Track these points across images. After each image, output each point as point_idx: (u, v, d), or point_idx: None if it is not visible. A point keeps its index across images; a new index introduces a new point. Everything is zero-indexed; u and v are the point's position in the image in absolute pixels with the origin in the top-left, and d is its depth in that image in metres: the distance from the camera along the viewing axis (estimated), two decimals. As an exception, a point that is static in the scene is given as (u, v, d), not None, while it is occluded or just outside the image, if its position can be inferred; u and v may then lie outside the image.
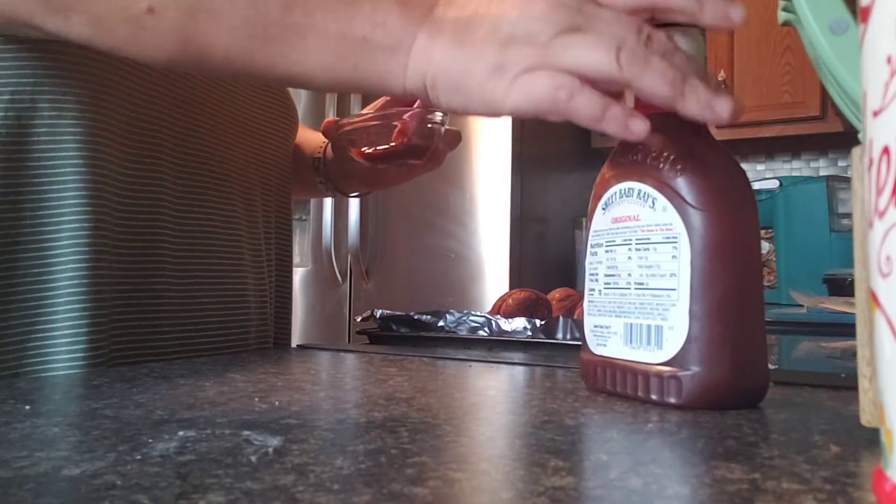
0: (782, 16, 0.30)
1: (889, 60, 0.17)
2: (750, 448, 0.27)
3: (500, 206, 1.83)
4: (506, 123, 1.85)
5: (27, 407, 0.34)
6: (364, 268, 1.95)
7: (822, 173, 2.28)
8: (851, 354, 0.65)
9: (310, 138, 0.75)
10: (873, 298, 0.18)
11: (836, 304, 0.98)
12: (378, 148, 0.56)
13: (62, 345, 0.48)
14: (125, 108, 0.52)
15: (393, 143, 0.55)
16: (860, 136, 0.24)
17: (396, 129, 0.55)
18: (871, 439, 0.28)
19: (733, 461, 0.25)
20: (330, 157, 0.70)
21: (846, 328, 0.85)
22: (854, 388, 0.39)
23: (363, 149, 0.57)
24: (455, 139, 0.61)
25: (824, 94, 1.95)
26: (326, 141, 0.70)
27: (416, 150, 0.56)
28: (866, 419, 0.29)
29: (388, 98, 0.61)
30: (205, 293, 0.59)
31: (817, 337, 0.87)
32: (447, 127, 0.58)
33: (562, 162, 2.19)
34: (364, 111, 0.61)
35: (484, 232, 1.85)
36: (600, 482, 0.22)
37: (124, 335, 0.52)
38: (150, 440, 0.28)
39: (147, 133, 0.54)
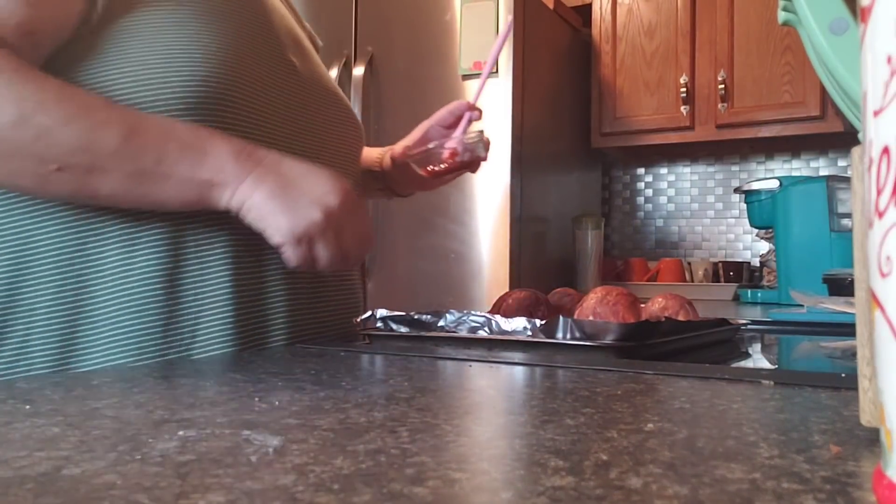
0: (782, 15, 0.30)
1: (889, 60, 0.17)
2: (750, 448, 0.27)
3: (500, 206, 1.83)
4: (506, 123, 1.85)
5: (27, 407, 0.34)
6: (364, 267, 1.95)
7: (821, 173, 2.28)
8: (851, 354, 0.65)
9: (369, 152, 0.91)
10: (873, 298, 0.18)
11: (836, 304, 0.98)
12: (441, 167, 0.78)
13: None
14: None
15: (449, 163, 0.77)
16: (860, 135, 0.24)
17: (448, 152, 0.77)
18: (872, 439, 0.28)
19: (733, 461, 0.25)
20: (388, 168, 0.88)
21: (846, 328, 0.85)
22: (854, 388, 0.39)
23: (429, 167, 0.78)
24: (488, 146, 0.80)
25: (824, 94, 1.95)
26: (381, 155, 0.90)
27: (466, 163, 0.78)
28: (866, 419, 0.29)
29: (433, 125, 0.84)
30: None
31: (817, 337, 0.87)
32: (483, 140, 0.78)
33: (562, 162, 2.19)
34: (416, 135, 0.85)
35: (484, 232, 1.85)
36: (600, 482, 0.22)
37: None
38: (151, 440, 0.28)
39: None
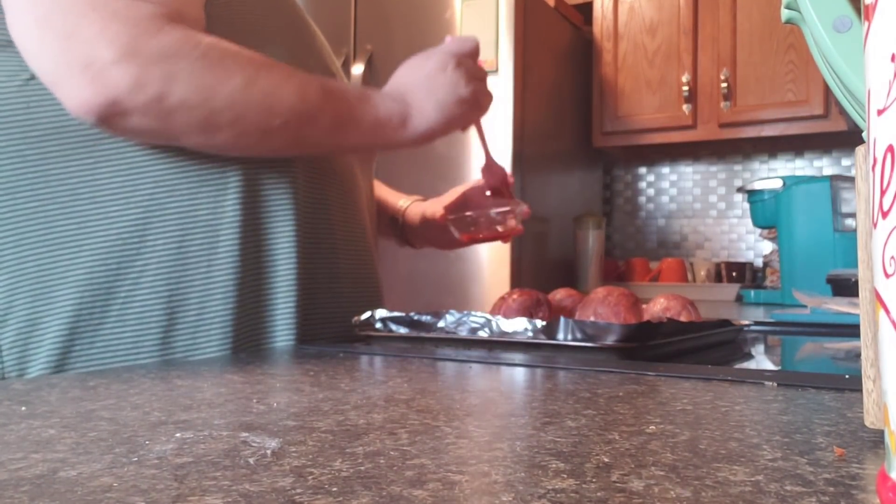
0: (785, 13, 0.30)
1: (893, 58, 0.17)
2: (753, 450, 0.27)
3: (502, 205, 1.83)
4: (506, 122, 1.85)
5: (23, 408, 0.34)
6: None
7: (825, 172, 2.28)
8: (855, 355, 0.65)
9: (388, 195, 0.97)
10: (877, 299, 0.18)
11: (839, 305, 0.97)
12: (480, 235, 0.85)
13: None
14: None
15: (490, 231, 0.84)
16: (864, 134, 0.24)
17: (491, 221, 0.83)
18: (876, 441, 0.28)
19: (736, 463, 0.25)
20: (414, 223, 0.94)
21: (850, 329, 0.85)
22: (858, 389, 0.39)
23: (467, 233, 0.85)
24: (525, 216, 0.87)
25: (828, 93, 1.95)
26: (402, 206, 0.96)
27: (503, 233, 0.84)
28: (870, 421, 0.29)
29: (472, 189, 0.89)
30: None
31: (821, 338, 0.86)
32: (521, 212, 0.83)
33: (563, 161, 2.19)
34: (452, 198, 0.89)
35: (485, 232, 1.84)
36: (602, 484, 0.22)
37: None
38: (147, 442, 0.27)
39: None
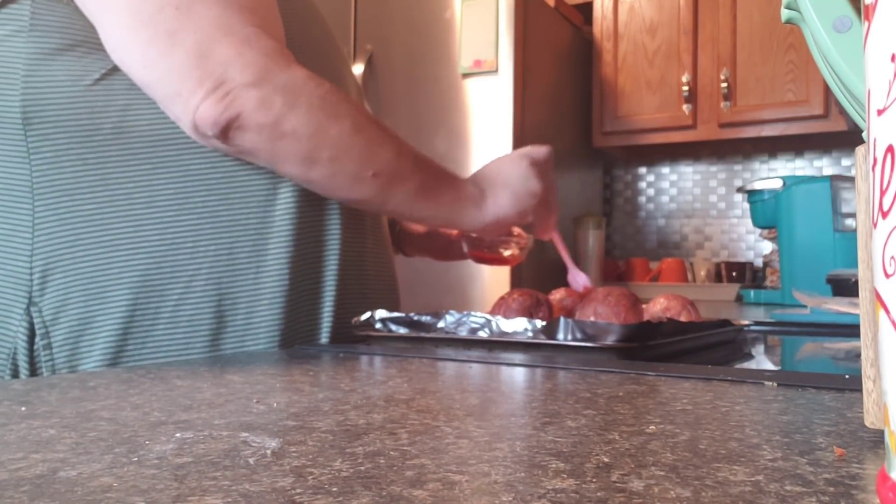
0: (785, 13, 0.30)
1: (893, 58, 0.17)
2: (753, 450, 0.27)
3: (502, 205, 1.83)
4: (506, 122, 1.85)
5: (23, 408, 0.34)
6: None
7: (825, 172, 2.28)
8: (855, 355, 0.65)
9: None
10: (877, 299, 0.18)
11: (839, 305, 0.97)
12: (482, 253, 0.89)
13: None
14: None
15: (499, 256, 0.90)
16: (864, 134, 0.24)
17: (505, 247, 0.89)
18: (876, 441, 0.28)
19: (736, 463, 0.25)
20: (412, 231, 0.96)
21: (850, 329, 0.85)
22: (858, 389, 0.39)
23: (477, 252, 0.89)
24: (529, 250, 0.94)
25: (828, 93, 1.95)
26: None
27: (507, 259, 0.91)
28: (870, 421, 0.29)
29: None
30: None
31: (821, 338, 0.86)
32: (529, 246, 0.91)
33: (563, 161, 2.19)
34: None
35: (486, 232, 1.84)
36: (602, 484, 0.22)
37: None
38: (147, 442, 0.27)
39: None
